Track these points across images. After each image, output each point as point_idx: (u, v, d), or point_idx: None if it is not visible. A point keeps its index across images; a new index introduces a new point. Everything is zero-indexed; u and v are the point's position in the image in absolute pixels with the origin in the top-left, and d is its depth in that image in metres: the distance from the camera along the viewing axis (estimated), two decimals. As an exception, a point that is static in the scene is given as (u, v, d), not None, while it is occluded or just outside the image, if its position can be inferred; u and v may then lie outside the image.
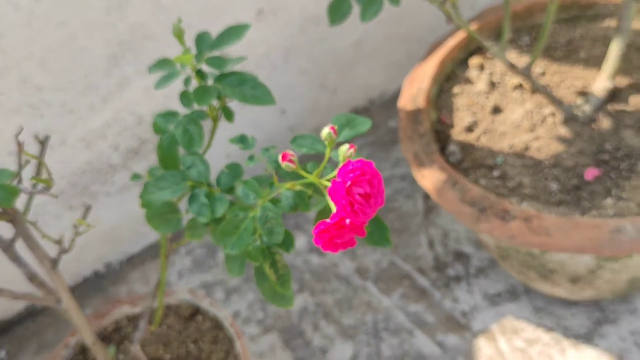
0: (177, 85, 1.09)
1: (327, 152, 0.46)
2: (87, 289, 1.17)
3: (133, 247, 1.21)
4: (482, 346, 0.93)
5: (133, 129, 1.09)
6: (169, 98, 1.10)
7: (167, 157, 0.57)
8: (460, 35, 0.95)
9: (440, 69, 0.93)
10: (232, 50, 1.10)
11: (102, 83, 1.01)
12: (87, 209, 0.62)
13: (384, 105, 1.36)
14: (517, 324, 0.94)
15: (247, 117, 1.22)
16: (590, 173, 0.79)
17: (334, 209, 0.44)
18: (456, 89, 0.93)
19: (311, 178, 0.46)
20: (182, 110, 0.62)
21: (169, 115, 0.58)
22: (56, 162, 1.03)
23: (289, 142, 1.28)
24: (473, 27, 0.96)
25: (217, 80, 0.56)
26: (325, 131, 0.45)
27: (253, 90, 0.54)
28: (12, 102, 0.95)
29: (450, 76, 0.95)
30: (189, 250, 1.20)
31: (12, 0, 0.88)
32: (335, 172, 0.45)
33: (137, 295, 0.83)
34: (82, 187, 1.09)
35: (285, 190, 0.48)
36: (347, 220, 0.41)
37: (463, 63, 0.96)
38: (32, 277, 0.65)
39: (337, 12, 0.73)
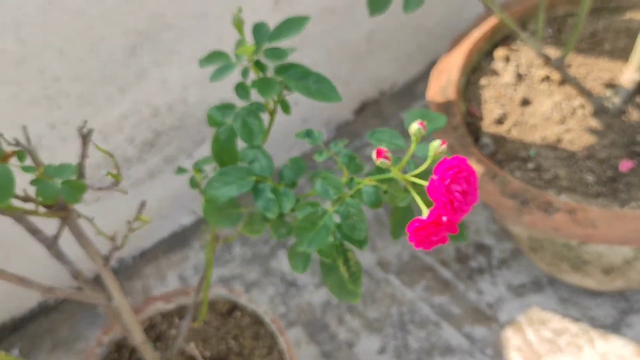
0: (194, 75, 1.07)
1: (412, 148, 0.45)
2: (102, 284, 1.15)
3: (146, 242, 1.19)
4: (510, 337, 0.93)
5: (149, 121, 1.07)
6: (186, 89, 1.08)
7: (225, 151, 0.55)
8: (485, 27, 0.95)
9: (467, 60, 0.92)
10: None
11: (120, 74, 0.99)
12: (142, 204, 0.60)
13: (394, 97, 1.35)
14: (544, 315, 0.95)
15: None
16: (625, 165, 0.79)
17: (422, 206, 0.43)
18: (483, 81, 0.93)
19: (394, 174, 0.46)
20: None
21: (225, 107, 0.56)
22: (72, 155, 1.00)
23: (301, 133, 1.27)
24: (498, 18, 0.96)
25: (278, 72, 0.55)
26: (415, 127, 0.44)
27: (317, 84, 0.53)
28: (29, 93, 0.92)
29: (476, 68, 0.94)
30: (205, 244, 1.18)
31: (33, -12, 0.85)
32: (421, 169, 0.44)
33: (171, 291, 0.81)
34: (96, 181, 1.06)
35: (365, 185, 0.47)
36: (444, 218, 0.41)
37: (488, 54, 0.96)
38: (76, 275, 0.64)
39: (377, 1, 0.72)
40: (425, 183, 0.43)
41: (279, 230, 0.56)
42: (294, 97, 1.27)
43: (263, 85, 0.53)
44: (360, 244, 0.49)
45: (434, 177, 0.41)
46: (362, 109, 1.33)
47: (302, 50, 1.16)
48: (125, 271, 1.16)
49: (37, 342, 1.09)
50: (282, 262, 1.12)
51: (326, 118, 1.30)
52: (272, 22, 1.12)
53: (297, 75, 0.54)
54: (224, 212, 0.56)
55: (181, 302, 0.81)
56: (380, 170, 0.48)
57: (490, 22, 0.95)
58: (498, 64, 0.94)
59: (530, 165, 0.81)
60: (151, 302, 0.81)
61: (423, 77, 1.36)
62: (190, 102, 1.10)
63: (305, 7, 1.12)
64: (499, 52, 0.95)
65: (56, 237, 0.64)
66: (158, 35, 0.99)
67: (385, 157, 0.44)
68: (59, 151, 0.99)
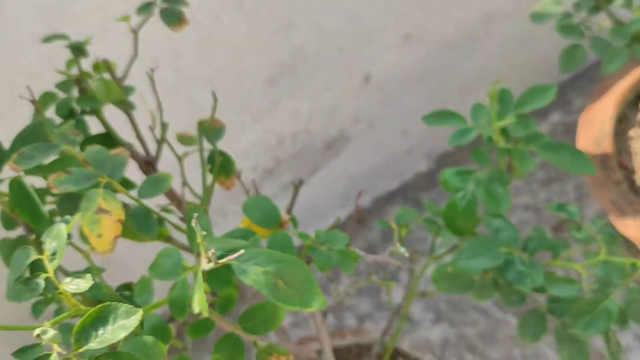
0: (321, 106, 1.07)
1: None
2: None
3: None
4: (643, 389, 0.94)
5: (273, 150, 1.07)
6: (311, 119, 1.07)
7: (463, 218, 0.55)
8: (632, 77, 0.95)
9: (615, 111, 0.92)
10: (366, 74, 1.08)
11: (257, 104, 0.99)
12: (382, 279, 0.60)
13: (494, 130, 1.35)
14: (675, 368, 0.95)
15: (370, 138, 1.20)
16: None
17: None
18: (631, 132, 0.93)
19: (683, 263, 0.46)
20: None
21: (463, 173, 0.56)
22: (200, 182, 1.00)
23: (404, 163, 1.27)
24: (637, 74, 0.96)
25: (527, 142, 0.54)
26: None
27: (572, 157, 0.53)
28: (177, 122, 0.91)
29: (622, 118, 0.94)
30: (310, 272, 1.18)
31: (197, 21, 0.84)
32: None
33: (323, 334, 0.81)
34: (218, 207, 1.06)
35: (646, 271, 0.47)
36: None
37: (633, 105, 0.96)
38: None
39: (571, 60, 0.72)
40: None
41: (510, 298, 0.56)
42: (404, 128, 1.27)
43: (520, 156, 0.53)
44: (624, 324, 0.49)
45: None
46: (463, 141, 1.33)
47: (422, 83, 1.16)
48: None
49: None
50: (392, 295, 1.11)
51: (428, 149, 1.30)
52: (398, 58, 1.12)
53: (548, 147, 0.54)
54: (457, 279, 0.56)
55: (335, 343, 0.80)
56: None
57: (637, 73, 0.95)
58: (644, 116, 0.94)
59: (694, 225, 0.81)
60: (306, 342, 0.80)
61: (522, 112, 1.36)
62: (312, 132, 1.10)
63: (431, 42, 1.12)
64: (645, 104, 0.95)
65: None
66: (295, 67, 0.99)
67: None
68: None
